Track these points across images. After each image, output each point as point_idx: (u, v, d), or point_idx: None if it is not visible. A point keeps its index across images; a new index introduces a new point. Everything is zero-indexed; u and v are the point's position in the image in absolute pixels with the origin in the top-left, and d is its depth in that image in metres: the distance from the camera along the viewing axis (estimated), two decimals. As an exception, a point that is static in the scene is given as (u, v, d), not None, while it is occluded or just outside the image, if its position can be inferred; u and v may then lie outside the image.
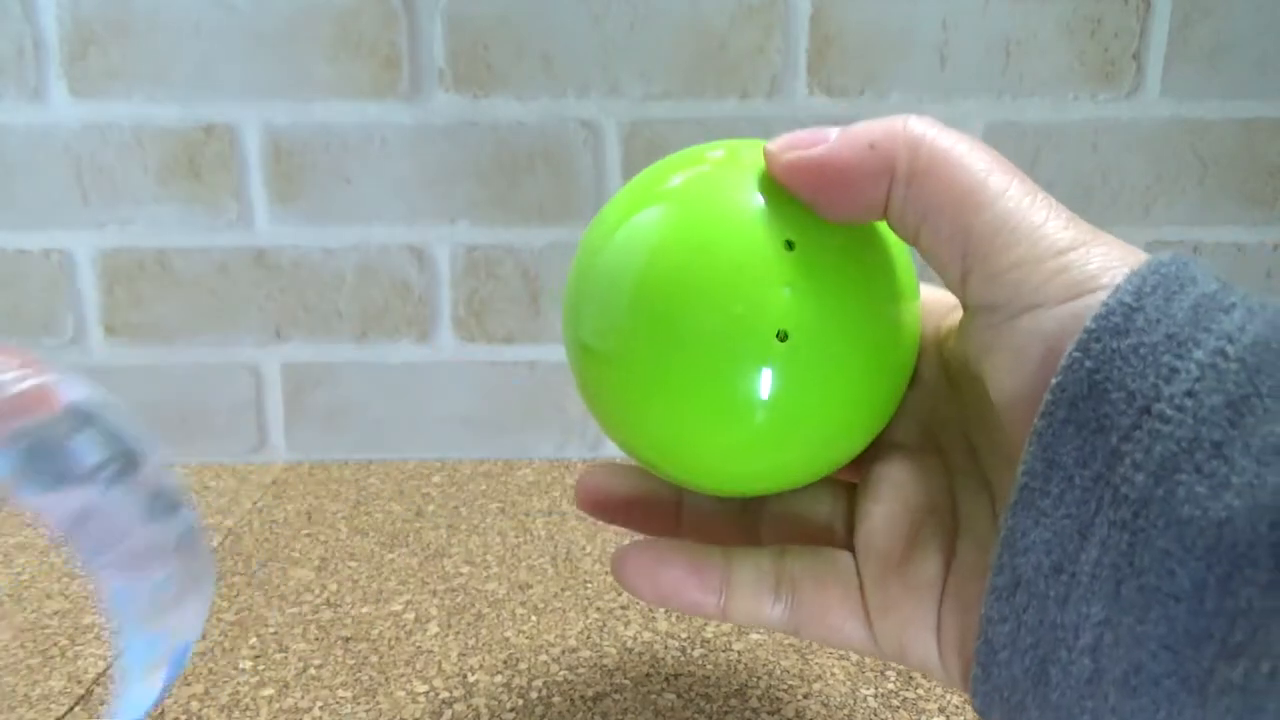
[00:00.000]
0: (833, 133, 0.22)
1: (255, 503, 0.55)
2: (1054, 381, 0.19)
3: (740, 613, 0.25)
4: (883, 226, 0.24)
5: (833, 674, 0.38)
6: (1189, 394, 0.18)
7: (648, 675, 0.38)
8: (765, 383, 0.22)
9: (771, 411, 0.22)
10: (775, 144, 0.23)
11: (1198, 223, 0.59)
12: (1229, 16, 0.56)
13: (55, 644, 0.40)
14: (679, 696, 0.37)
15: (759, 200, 0.23)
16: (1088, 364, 0.19)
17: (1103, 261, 0.20)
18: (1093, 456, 0.19)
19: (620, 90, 0.57)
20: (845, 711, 0.36)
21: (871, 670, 0.38)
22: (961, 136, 0.21)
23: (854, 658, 0.39)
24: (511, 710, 0.37)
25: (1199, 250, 0.60)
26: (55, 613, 0.43)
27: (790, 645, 0.40)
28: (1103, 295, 0.19)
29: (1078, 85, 0.57)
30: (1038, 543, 0.19)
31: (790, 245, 0.22)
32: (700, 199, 0.23)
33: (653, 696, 0.37)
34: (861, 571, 0.25)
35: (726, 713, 0.36)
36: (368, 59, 0.56)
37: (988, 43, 0.56)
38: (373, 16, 0.55)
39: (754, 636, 0.41)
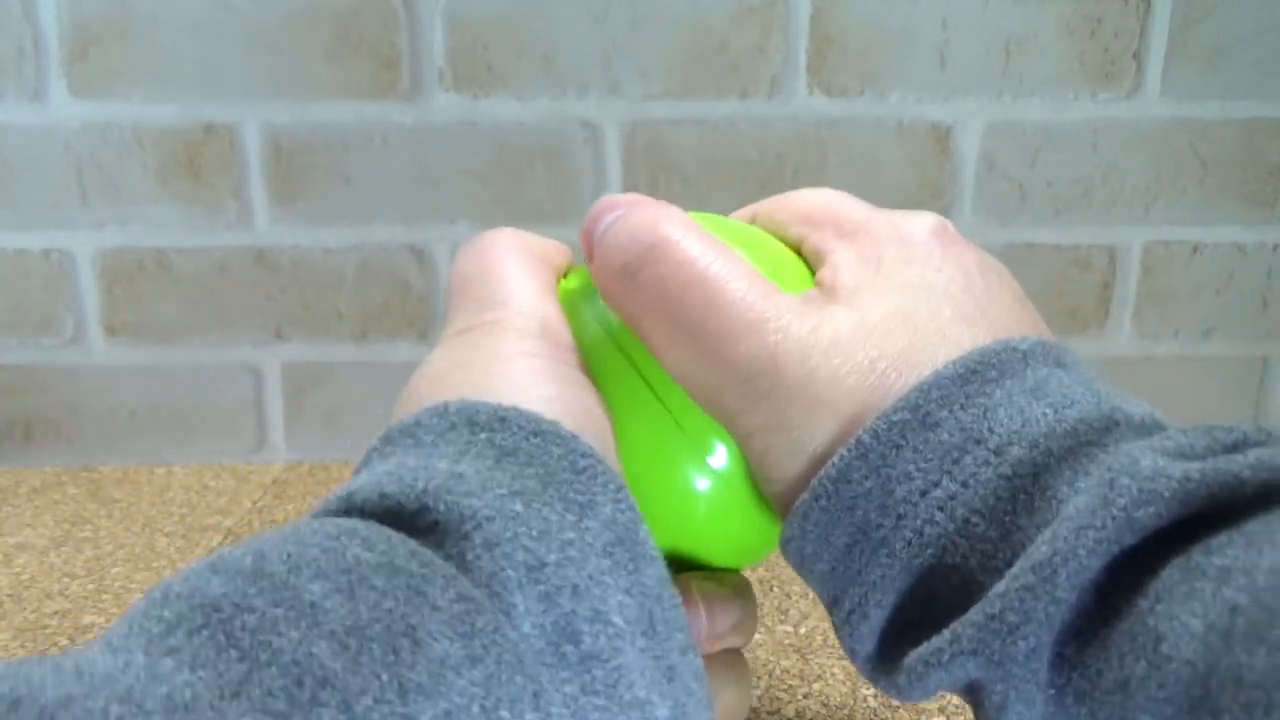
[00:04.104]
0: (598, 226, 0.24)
1: (255, 503, 0.55)
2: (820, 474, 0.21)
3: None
4: None
5: (833, 674, 0.38)
6: (844, 623, 0.21)
7: (648, 675, 0.38)
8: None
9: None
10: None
11: (1198, 223, 0.59)
12: (1229, 16, 0.56)
13: (55, 644, 0.40)
14: (679, 696, 0.37)
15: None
16: (793, 556, 0.22)
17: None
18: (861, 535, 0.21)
19: (620, 90, 0.57)
20: (845, 711, 0.36)
21: (871, 670, 0.39)
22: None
23: (854, 658, 0.39)
24: (511, 710, 0.36)
25: (1199, 250, 0.60)
26: (55, 613, 0.43)
27: (790, 645, 0.40)
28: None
29: (1078, 85, 0.57)
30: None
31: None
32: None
33: (653, 696, 0.37)
34: None
35: (726, 713, 0.36)
36: (368, 59, 0.56)
37: (988, 42, 0.56)
38: (373, 16, 0.55)
39: (754, 636, 0.41)
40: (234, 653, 0.14)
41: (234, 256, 0.59)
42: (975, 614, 0.18)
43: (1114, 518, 0.17)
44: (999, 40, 0.56)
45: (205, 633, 0.14)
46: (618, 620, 0.18)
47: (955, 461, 0.19)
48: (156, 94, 0.56)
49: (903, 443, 0.20)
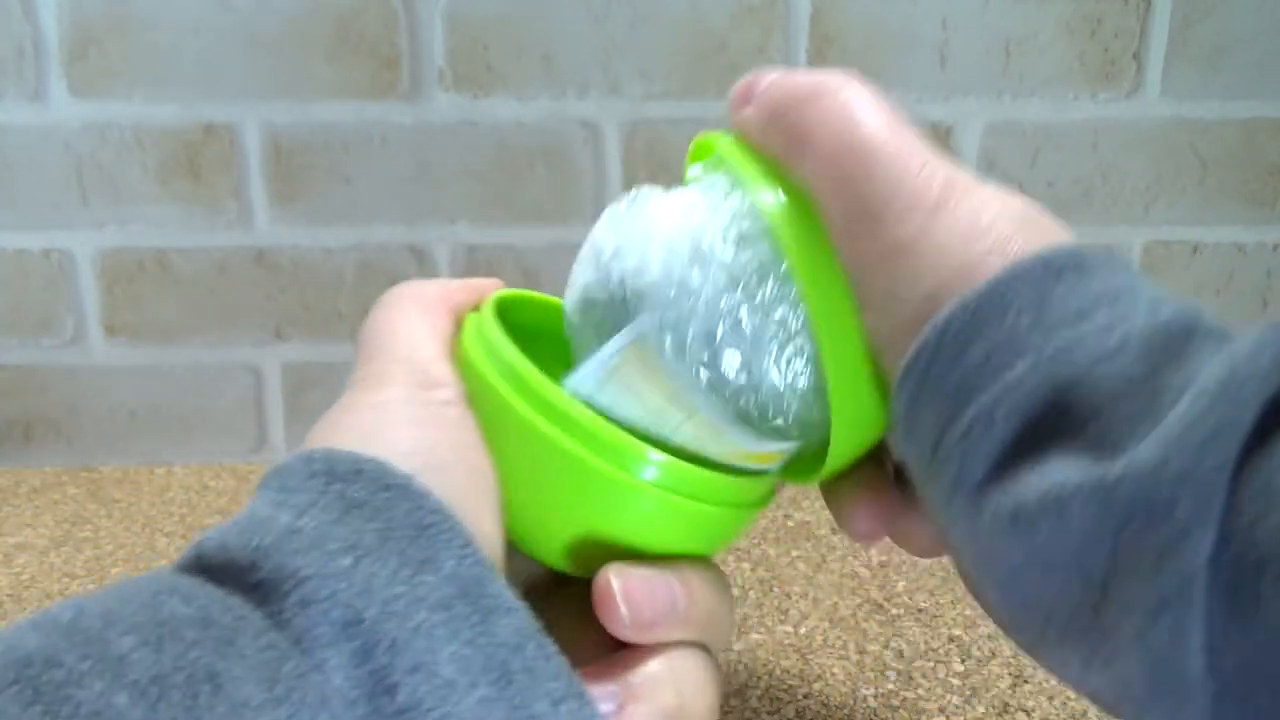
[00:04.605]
0: (757, 86, 0.25)
1: (255, 503, 0.55)
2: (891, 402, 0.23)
3: None
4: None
5: (833, 674, 0.38)
6: (964, 436, 0.21)
7: (648, 675, 0.38)
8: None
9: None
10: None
11: (1198, 223, 0.59)
12: (1229, 16, 0.56)
13: (55, 644, 0.40)
14: (679, 696, 0.37)
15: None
16: (904, 396, 0.22)
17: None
18: (918, 471, 0.23)
19: (620, 90, 0.57)
20: (845, 711, 0.36)
21: (871, 670, 0.39)
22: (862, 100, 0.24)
23: (854, 657, 0.39)
24: (511, 710, 0.36)
25: (1199, 250, 0.60)
26: (55, 613, 0.43)
27: (790, 645, 0.40)
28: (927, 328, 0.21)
29: (1078, 85, 0.57)
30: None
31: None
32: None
33: (653, 696, 0.37)
34: None
35: (726, 713, 0.36)
36: (368, 59, 0.56)
37: (988, 42, 0.56)
38: (373, 16, 0.55)
39: (754, 636, 0.41)
40: (38, 707, 0.15)
41: (234, 256, 0.59)
42: (1166, 426, 0.18)
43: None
44: (999, 40, 0.56)
45: (15, 688, 0.15)
46: (446, 672, 0.19)
47: (1112, 302, 0.20)
48: (156, 94, 0.56)
49: (1059, 279, 0.21)
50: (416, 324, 0.26)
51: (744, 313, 0.24)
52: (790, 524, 0.51)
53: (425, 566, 0.20)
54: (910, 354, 0.22)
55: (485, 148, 0.57)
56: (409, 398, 0.23)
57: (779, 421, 0.25)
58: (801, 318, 0.24)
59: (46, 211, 0.58)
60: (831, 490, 0.28)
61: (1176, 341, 0.20)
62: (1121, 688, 0.19)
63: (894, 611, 0.43)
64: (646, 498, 0.23)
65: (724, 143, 0.26)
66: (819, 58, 0.56)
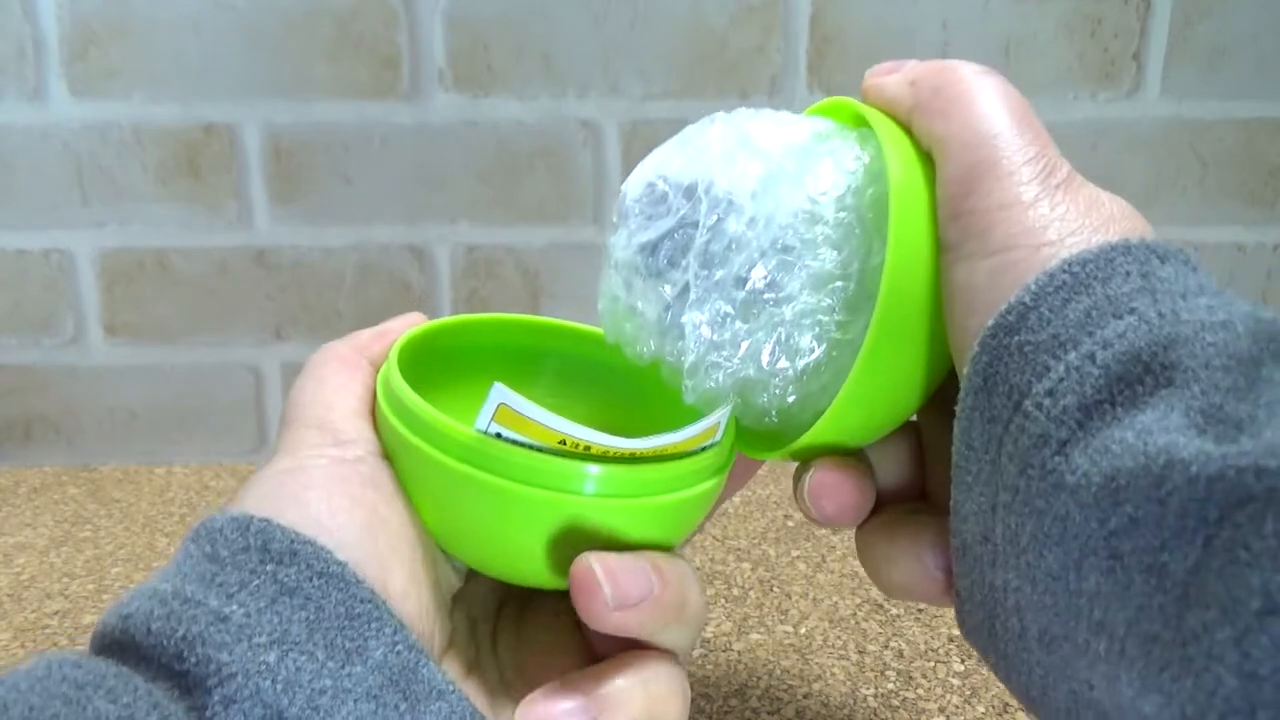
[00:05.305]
0: (903, 64, 0.27)
1: (255, 503, 0.55)
2: (965, 373, 0.22)
3: None
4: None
5: (833, 674, 0.38)
6: (1049, 393, 0.20)
7: (648, 675, 0.38)
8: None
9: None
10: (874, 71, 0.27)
11: (1198, 223, 0.59)
12: (1229, 16, 0.56)
13: (55, 644, 0.40)
14: (679, 696, 0.37)
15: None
16: (984, 358, 0.21)
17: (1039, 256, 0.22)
18: (989, 444, 0.21)
19: (620, 90, 0.57)
20: (845, 711, 0.36)
21: (871, 670, 0.39)
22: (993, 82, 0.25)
23: (854, 657, 0.39)
24: (511, 710, 0.36)
25: (1199, 250, 0.60)
26: (55, 613, 0.43)
27: (790, 645, 0.40)
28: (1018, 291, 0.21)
29: (1078, 85, 0.57)
30: (971, 513, 0.22)
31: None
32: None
33: (653, 696, 0.37)
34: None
35: (726, 713, 0.36)
36: (368, 59, 0.56)
37: (988, 43, 0.56)
38: (373, 16, 0.55)
39: (754, 636, 0.41)
40: None
41: (234, 256, 0.59)
42: None
43: None
44: (999, 40, 0.56)
45: None
46: None
47: (1216, 293, 0.20)
48: (156, 94, 0.56)
49: (1165, 262, 0.21)
50: (331, 384, 0.27)
51: (821, 258, 0.24)
52: (790, 524, 0.51)
53: (354, 656, 0.20)
54: (1010, 300, 0.21)
55: (485, 148, 0.57)
56: (319, 461, 0.24)
57: (782, 369, 0.25)
58: (854, 288, 0.24)
59: (46, 211, 0.58)
60: (811, 462, 0.27)
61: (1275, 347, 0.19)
62: (1194, 706, 0.16)
63: (894, 611, 0.43)
64: (591, 509, 0.23)
65: (861, 105, 0.27)
66: (819, 58, 0.56)
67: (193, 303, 0.59)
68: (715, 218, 0.25)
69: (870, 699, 0.36)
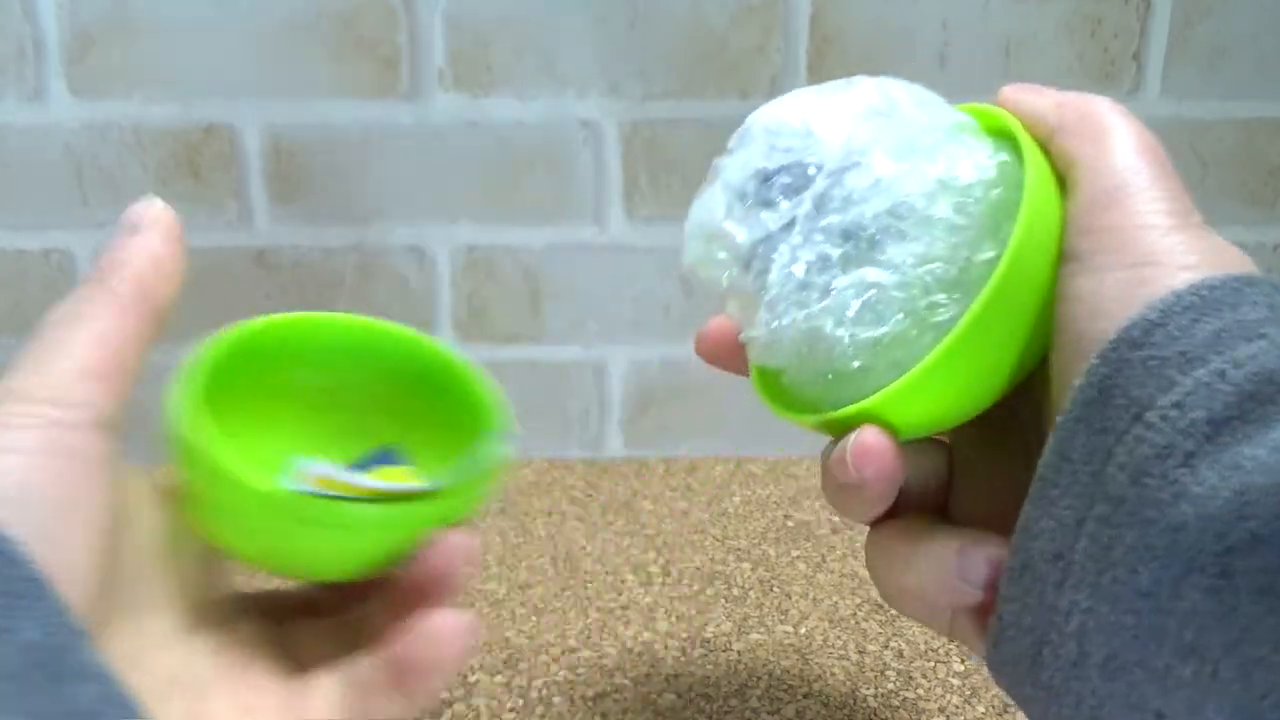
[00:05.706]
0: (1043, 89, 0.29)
1: (255, 503, 0.55)
2: (1075, 384, 0.21)
3: None
4: None
5: (833, 674, 0.38)
6: (1176, 405, 0.19)
7: (648, 675, 0.39)
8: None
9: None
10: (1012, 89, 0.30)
11: (1198, 223, 0.59)
12: (1229, 16, 0.56)
13: (55, 644, 0.40)
14: (679, 696, 0.37)
15: None
16: (1103, 370, 0.21)
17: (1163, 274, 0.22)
18: (1094, 455, 0.21)
19: (620, 90, 0.57)
20: (845, 711, 0.36)
21: (871, 670, 0.39)
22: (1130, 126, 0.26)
23: (854, 657, 0.39)
24: (511, 710, 0.37)
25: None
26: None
27: (790, 645, 0.40)
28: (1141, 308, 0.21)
29: (1078, 85, 0.57)
30: (1045, 530, 0.21)
31: None
32: None
33: (653, 696, 0.37)
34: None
35: (726, 713, 0.36)
36: (368, 59, 0.56)
37: (988, 43, 0.56)
38: (373, 16, 0.55)
39: (754, 636, 0.41)
40: None
41: (234, 256, 0.59)
42: None
43: None
44: (999, 40, 0.56)
45: None
46: None
47: None
48: (156, 94, 0.56)
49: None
50: (81, 331, 0.25)
51: (934, 238, 0.25)
52: (790, 524, 0.51)
53: (3, 636, 0.20)
54: (1133, 316, 0.21)
55: (485, 148, 0.57)
56: (26, 421, 0.23)
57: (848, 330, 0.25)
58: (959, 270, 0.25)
59: (46, 211, 0.58)
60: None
61: None
62: None
63: (894, 611, 0.43)
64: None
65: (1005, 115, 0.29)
66: (819, 58, 0.56)
67: (193, 303, 0.59)
68: (841, 166, 0.25)
69: (870, 699, 0.36)
